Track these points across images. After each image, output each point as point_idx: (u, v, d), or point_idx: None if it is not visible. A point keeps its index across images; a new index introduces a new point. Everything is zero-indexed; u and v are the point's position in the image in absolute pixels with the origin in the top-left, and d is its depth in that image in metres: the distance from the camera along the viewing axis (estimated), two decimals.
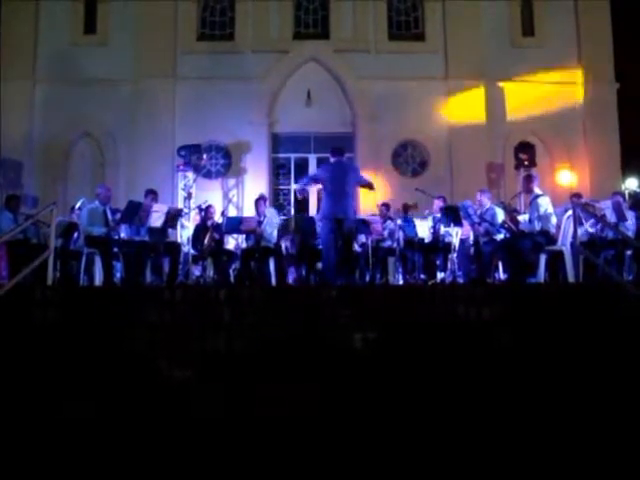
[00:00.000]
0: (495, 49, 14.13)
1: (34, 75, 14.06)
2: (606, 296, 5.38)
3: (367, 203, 12.27)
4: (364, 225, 9.02)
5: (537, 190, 7.67)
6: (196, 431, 3.72)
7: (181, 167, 12.53)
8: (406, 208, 10.25)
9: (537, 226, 7.38)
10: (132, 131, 13.67)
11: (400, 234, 8.93)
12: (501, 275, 8.06)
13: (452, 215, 8.30)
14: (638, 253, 7.88)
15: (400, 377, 4.31)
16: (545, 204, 7.42)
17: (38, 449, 3.57)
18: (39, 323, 5.05)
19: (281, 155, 14.40)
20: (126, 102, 13.80)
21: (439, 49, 14.33)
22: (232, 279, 9.42)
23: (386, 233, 9.55)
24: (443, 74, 14.22)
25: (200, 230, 9.23)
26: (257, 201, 9.24)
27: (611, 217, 7.82)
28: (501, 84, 14.14)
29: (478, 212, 8.28)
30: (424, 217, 9.29)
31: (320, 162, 12.84)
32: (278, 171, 14.46)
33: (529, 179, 7.92)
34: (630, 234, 7.84)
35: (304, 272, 9.31)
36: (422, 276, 8.82)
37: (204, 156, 12.76)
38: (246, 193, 13.58)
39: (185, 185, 12.12)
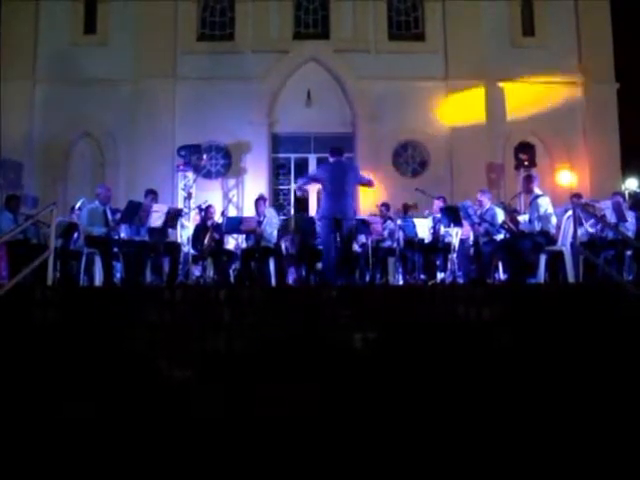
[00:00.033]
0: (495, 49, 14.13)
1: (34, 75, 14.06)
2: (606, 296, 5.38)
3: (367, 203, 12.27)
4: (364, 225, 9.02)
5: (537, 190, 7.67)
6: (196, 431, 3.72)
7: (181, 167, 12.54)
8: (406, 208, 10.25)
9: (537, 226, 7.38)
10: (132, 131, 13.68)
11: (400, 234, 8.93)
12: (501, 275, 8.06)
13: (452, 215, 8.30)
14: (638, 253, 7.88)
15: (400, 377, 4.31)
16: (545, 204, 7.42)
17: (38, 449, 3.57)
18: (39, 323, 5.04)
19: (281, 155, 14.40)
20: (126, 102, 13.81)
21: (439, 49, 14.34)
22: (232, 279, 9.42)
23: (386, 233, 9.56)
24: (443, 74, 14.22)
25: (200, 230, 9.23)
26: (257, 201, 9.24)
27: (611, 217, 7.82)
28: (501, 84, 14.14)
29: (478, 212, 8.27)
30: (424, 217, 9.28)
31: (320, 162, 12.83)
32: (278, 171, 14.46)
33: (529, 179, 7.92)
34: (630, 234, 7.83)
35: (304, 272, 9.31)
36: (422, 276, 8.81)
37: (204, 156, 12.76)
38: (246, 193, 13.58)
39: (185, 185, 12.12)
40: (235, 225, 8.90)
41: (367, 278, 9.01)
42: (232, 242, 9.87)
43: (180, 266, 8.69)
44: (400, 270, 8.97)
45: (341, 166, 7.92)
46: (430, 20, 14.52)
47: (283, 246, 9.41)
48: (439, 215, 8.78)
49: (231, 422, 3.85)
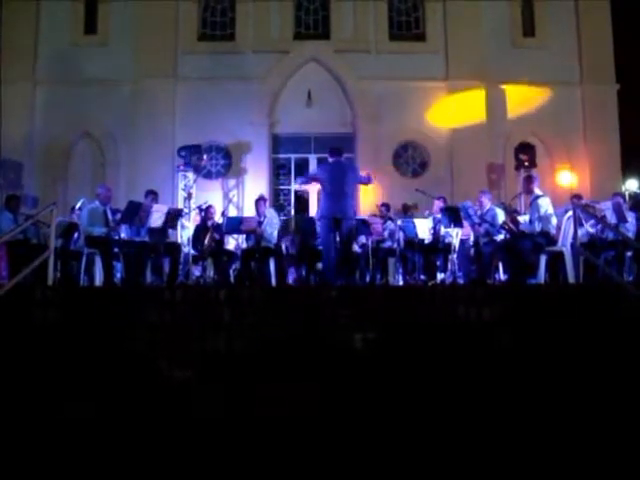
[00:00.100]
0: (495, 49, 14.13)
1: (34, 76, 14.06)
2: (606, 297, 5.38)
3: (367, 203, 12.28)
4: (364, 226, 9.02)
5: (537, 191, 7.67)
6: (196, 431, 3.72)
7: (181, 167, 12.54)
8: (406, 208, 10.25)
9: (537, 227, 7.38)
10: (132, 131, 13.67)
11: (400, 235, 8.94)
12: (501, 276, 8.06)
13: (452, 216, 8.30)
14: (638, 254, 7.88)
15: (400, 377, 4.31)
16: (545, 205, 7.42)
17: (39, 449, 3.57)
18: (39, 323, 5.05)
19: (281, 155, 14.40)
20: (126, 102, 13.81)
21: (440, 49, 14.33)
22: (232, 279, 9.42)
23: (386, 234, 9.56)
24: (443, 74, 14.22)
25: (200, 230, 9.23)
26: (257, 201, 9.24)
27: (611, 218, 7.82)
28: (501, 84, 14.12)
29: (478, 213, 8.27)
30: (424, 217, 9.28)
31: (320, 163, 12.83)
32: (278, 171, 14.45)
33: (529, 180, 7.92)
34: (630, 235, 7.84)
35: (304, 272, 9.31)
36: (422, 277, 8.81)
37: (204, 156, 12.75)
38: (246, 193, 13.58)
39: (185, 185, 12.14)
40: (235, 225, 8.90)
41: (367, 278, 9.01)
42: (232, 242, 9.87)
43: (180, 266, 8.69)
44: (400, 270, 8.97)
45: (340, 166, 7.93)
46: (431, 20, 14.52)
47: (283, 246, 9.42)
48: (439, 215, 8.78)
49: (231, 422, 3.85)
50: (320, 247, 8.28)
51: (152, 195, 8.81)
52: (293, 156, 14.36)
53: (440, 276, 8.86)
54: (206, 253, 9.07)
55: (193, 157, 12.39)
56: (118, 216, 8.26)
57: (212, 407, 3.99)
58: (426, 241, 8.96)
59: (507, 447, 3.58)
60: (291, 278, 9.56)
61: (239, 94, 13.66)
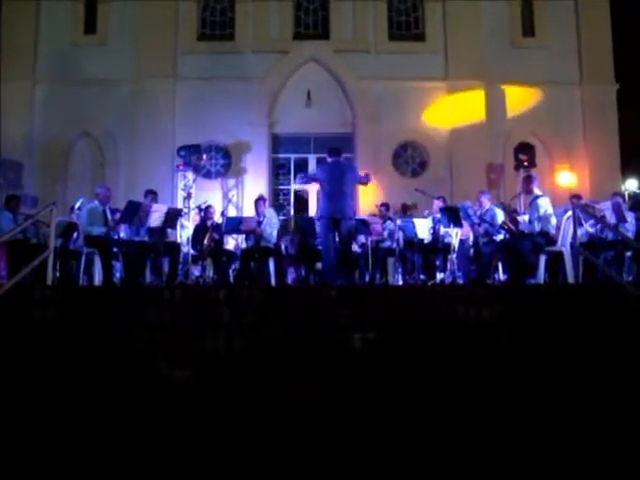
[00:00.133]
0: (495, 49, 14.15)
1: (34, 75, 14.07)
2: (606, 297, 5.38)
3: (367, 203, 12.28)
4: (364, 225, 9.03)
5: (537, 191, 7.67)
6: (196, 431, 3.72)
7: (181, 167, 12.54)
8: (405, 208, 10.25)
9: (537, 227, 7.38)
10: (132, 131, 13.68)
11: (400, 234, 8.93)
12: (501, 276, 8.06)
13: (452, 216, 8.30)
14: (638, 254, 7.89)
15: (400, 377, 4.31)
16: (545, 205, 7.42)
17: (38, 449, 3.57)
18: (38, 323, 5.04)
19: (281, 155, 14.40)
20: (126, 102, 13.81)
21: (439, 49, 14.34)
22: (232, 279, 9.42)
23: (386, 233, 9.56)
24: (443, 74, 14.24)
25: (200, 230, 9.23)
26: (257, 201, 9.24)
27: (611, 218, 7.82)
28: (501, 84, 14.13)
29: (478, 213, 8.28)
30: (424, 217, 9.28)
31: (320, 163, 12.83)
32: (278, 171, 14.46)
33: (529, 180, 7.92)
34: (630, 235, 7.84)
35: (304, 272, 9.31)
36: (422, 276, 8.81)
37: (204, 156, 12.77)
38: (246, 193, 13.58)
39: (185, 185, 12.13)
40: (235, 225, 8.90)
41: (367, 278, 9.01)
42: (232, 242, 9.87)
43: (180, 266, 8.69)
44: (400, 270, 8.97)
45: (339, 166, 7.93)
46: (430, 20, 14.53)
47: (283, 246, 9.42)
48: (439, 215, 8.78)
49: (231, 422, 3.84)
50: (320, 247, 8.28)
51: (151, 195, 8.81)
52: (293, 156, 14.37)
53: (439, 276, 8.85)
54: (205, 253, 9.07)
55: (193, 157, 12.40)
56: (117, 216, 8.26)
57: (212, 407, 3.99)
58: (425, 241, 8.96)
59: (507, 447, 3.58)
60: (290, 278, 9.56)
61: (239, 94, 13.67)
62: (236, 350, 4.72)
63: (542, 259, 7.45)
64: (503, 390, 4.13)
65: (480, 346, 4.67)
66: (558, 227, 7.73)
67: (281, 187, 14.45)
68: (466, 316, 5.05)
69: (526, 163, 12.82)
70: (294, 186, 14.08)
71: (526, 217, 7.90)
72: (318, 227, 8.15)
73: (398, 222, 8.98)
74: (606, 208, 7.99)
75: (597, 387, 4.14)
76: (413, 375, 4.33)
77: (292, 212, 13.51)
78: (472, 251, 8.50)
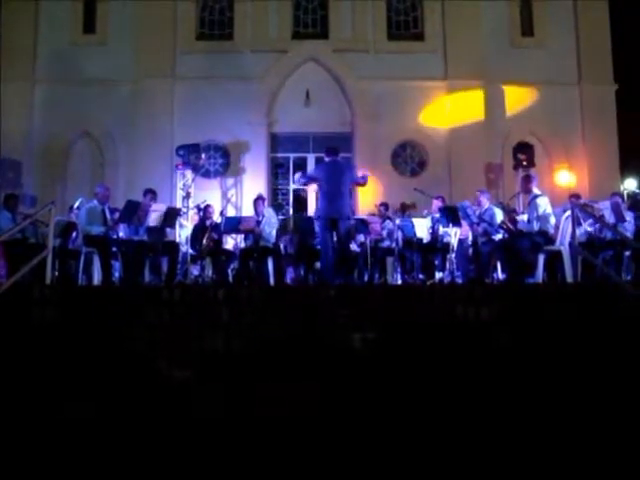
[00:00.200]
0: (494, 49, 14.15)
1: (34, 75, 14.08)
2: (604, 296, 5.38)
3: (366, 203, 12.28)
4: (363, 225, 9.03)
5: (536, 190, 7.67)
6: (196, 431, 3.72)
7: (180, 167, 12.53)
8: (404, 208, 10.24)
9: (536, 226, 7.38)
10: (131, 131, 13.68)
11: (399, 234, 8.94)
12: (499, 275, 8.07)
13: (451, 215, 8.31)
14: (636, 253, 7.89)
15: (399, 377, 4.31)
16: (544, 204, 7.42)
17: (38, 449, 3.57)
18: (38, 322, 5.04)
19: (280, 155, 14.40)
20: (125, 102, 13.81)
21: (438, 49, 14.35)
22: (230, 279, 9.42)
23: (385, 233, 9.56)
24: (442, 74, 14.24)
25: (199, 230, 9.23)
26: (256, 201, 9.24)
27: (610, 218, 7.83)
28: (500, 84, 14.13)
29: (477, 212, 8.28)
30: (423, 217, 9.28)
31: (319, 162, 12.84)
32: (277, 171, 14.46)
33: (528, 179, 7.92)
34: (629, 234, 7.85)
35: (302, 272, 9.31)
36: (420, 276, 8.82)
37: (203, 156, 12.75)
38: (245, 193, 13.59)
39: (184, 185, 12.13)
40: (234, 225, 8.90)
41: (366, 278, 9.01)
42: (231, 242, 9.87)
43: (179, 266, 8.70)
44: (399, 270, 8.97)
45: (337, 166, 7.92)
46: (429, 20, 14.53)
47: (282, 246, 9.42)
48: (438, 215, 8.78)
49: (231, 422, 3.85)
50: (318, 247, 8.28)
51: (151, 194, 8.81)
52: (292, 155, 14.37)
53: (438, 275, 8.86)
54: (204, 252, 9.07)
55: (192, 156, 12.39)
56: (116, 215, 8.26)
57: (211, 407, 3.99)
58: (424, 240, 8.97)
59: (506, 446, 3.59)
60: (289, 278, 9.56)
61: (238, 93, 13.67)
62: (235, 350, 4.72)
63: (541, 258, 7.46)
64: (502, 389, 4.13)
65: (479, 345, 4.67)
66: (557, 226, 7.73)
67: (280, 187, 14.46)
68: (465, 315, 5.05)
69: (525, 163, 12.82)
70: (293, 186, 14.09)
71: (525, 216, 7.90)
72: (317, 227, 8.15)
73: (397, 222, 8.99)
74: (605, 208, 8.00)
75: (596, 387, 4.14)
76: (412, 375, 4.34)
77: (291, 212, 13.51)
78: (471, 251, 8.51)
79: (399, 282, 8.83)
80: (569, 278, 7.23)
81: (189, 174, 12.28)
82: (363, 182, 8.25)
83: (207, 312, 5.16)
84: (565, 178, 13.80)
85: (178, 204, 11.75)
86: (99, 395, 4.06)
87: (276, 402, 3.93)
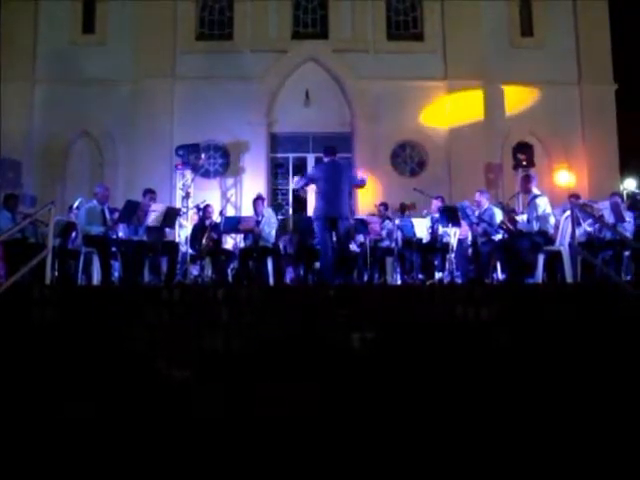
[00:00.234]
0: (494, 49, 14.15)
1: (33, 75, 14.07)
2: (604, 296, 5.38)
3: (366, 203, 12.28)
4: (362, 225, 9.03)
5: (535, 190, 7.68)
6: (196, 431, 3.72)
7: (179, 167, 12.52)
8: (403, 208, 10.24)
9: (535, 226, 7.38)
10: (131, 131, 13.67)
11: (398, 234, 8.94)
12: (499, 275, 8.07)
13: (450, 215, 8.31)
14: (636, 253, 7.89)
15: (399, 377, 4.31)
16: (543, 204, 7.42)
17: (38, 449, 3.57)
18: (37, 322, 5.04)
19: (279, 155, 14.40)
20: (125, 102, 13.81)
21: (438, 49, 14.34)
22: (230, 279, 9.43)
23: (384, 233, 9.56)
24: (442, 74, 14.23)
25: (198, 230, 9.24)
26: (255, 201, 9.24)
27: (609, 218, 7.82)
28: (500, 84, 14.13)
29: (476, 212, 8.28)
30: (422, 217, 9.29)
31: (318, 162, 12.83)
32: (276, 171, 14.46)
33: (527, 179, 7.93)
34: (628, 235, 7.85)
35: (302, 272, 9.31)
36: (420, 276, 8.82)
37: (202, 156, 12.74)
38: (244, 193, 13.58)
39: (183, 184, 12.12)
40: (233, 225, 8.91)
41: (365, 278, 9.01)
42: (230, 242, 9.87)
43: (178, 265, 8.69)
44: (398, 270, 8.97)
45: (335, 166, 7.91)
46: (429, 20, 14.53)
47: (281, 246, 9.42)
48: (437, 215, 8.78)
49: (231, 422, 3.84)
50: (318, 247, 8.27)
51: (150, 194, 8.80)
52: (291, 155, 14.36)
53: (438, 275, 8.86)
54: (204, 252, 9.07)
55: (191, 156, 12.39)
56: (116, 215, 8.25)
57: (211, 407, 3.99)
58: (424, 240, 8.97)
59: (506, 446, 3.59)
60: (289, 277, 9.56)
61: (237, 93, 13.67)
62: (235, 350, 4.72)
63: (540, 258, 7.46)
64: (502, 389, 4.13)
65: (479, 346, 4.67)
66: (557, 226, 7.74)
67: (280, 187, 14.45)
68: (464, 316, 5.05)
69: (525, 163, 12.81)
70: (292, 183, 14.06)
71: (524, 216, 7.90)
72: (316, 227, 8.14)
73: (397, 222, 8.99)
74: (604, 208, 8.00)
75: (596, 387, 4.14)
76: (412, 375, 4.34)
77: (290, 212, 13.51)
78: (470, 251, 8.51)
79: (399, 282, 8.84)
80: (569, 278, 7.23)
81: (189, 174, 12.27)
82: (361, 184, 8.24)
83: (207, 312, 5.16)
84: (565, 178, 13.79)
85: (178, 204, 11.74)
86: (99, 395, 4.06)
87: (276, 402, 3.93)
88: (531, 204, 7.54)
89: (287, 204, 14.21)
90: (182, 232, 9.80)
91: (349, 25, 14.36)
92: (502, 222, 7.89)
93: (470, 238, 8.43)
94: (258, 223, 8.81)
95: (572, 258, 7.26)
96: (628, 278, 7.67)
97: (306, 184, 8.32)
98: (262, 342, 4.68)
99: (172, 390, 4.22)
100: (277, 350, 4.57)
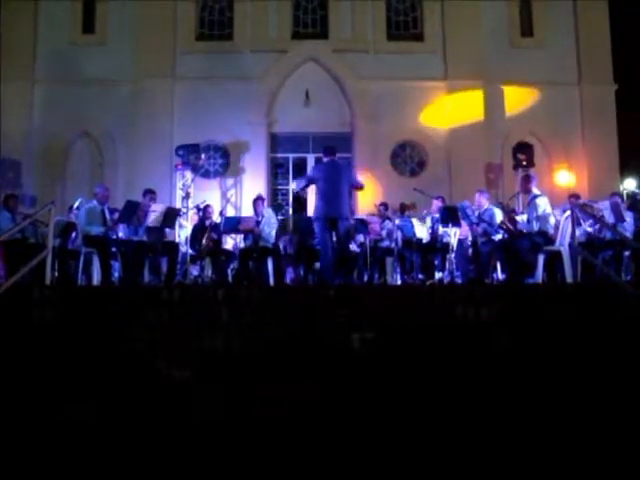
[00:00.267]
0: (494, 49, 14.15)
1: (33, 75, 14.08)
2: (604, 296, 5.38)
3: (366, 203, 12.28)
4: (362, 225, 9.02)
5: (535, 190, 7.68)
6: (196, 431, 3.72)
7: (179, 167, 12.53)
8: (403, 208, 10.24)
9: (535, 226, 7.38)
10: (131, 131, 13.67)
11: (398, 234, 8.94)
12: (499, 275, 8.07)
13: (450, 215, 8.31)
14: (636, 253, 7.89)
15: (398, 377, 4.31)
16: (543, 204, 7.43)
17: (38, 449, 3.57)
18: (37, 322, 5.04)
19: (279, 155, 14.40)
20: (125, 102, 13.81)
21: (438, 49, 14.34)
22: (230, 279, 9.42)
23: (384, 233, 9.56)
24: (442, 74, 14.23)
25: (198, 230, 9.24)
26: (255, 201, 9.24)
27: (609, 218, 7.82)
28: (500, 84, 14.13)
29: (476, 212, 8.28)
30: (422, 217, 9.29)
31: (318, 162, 12.83)
32: (276, 171, 14.46)
33: (527, 179, 7.93)
34: (628, 235, 7.85)
35: (302, 272, 9.31)
36: (420, 276, 8.82)
37: (202, 156, 12.75)
38: (244, 193, 13.58)
39: (183, 185, 12.13)
40: (233, 225, 8.91)
41: (365, 278, 9.01)
42: (230, 242, 9.87)
43: (178, 266, 8.69)
44: (398, 270, 8.97)
45: (335, 166, 7.90)
46: (429, 20, 14.53)
47: (281, 246, 9.42)
48: (437, 215, 8.78)
49: (231, 422, 3.84)
50: (318, 247, 8.27)
51: (150, 194, 8.80)
52: (291, 155, 14.37)
53: (438, 275, 8.86)
54: (204, 253, 9.07)
55: (191, 156, 12.39)
56: (116, 215, 8.25)
57: (211, 407, 3.99)
58: (424, 241, 8.97)
59: (505, 446, 3.59)
60: (289, 278, 9.56)
61: (237, 93, 13.66)
62: (235, 350, 4.72)
63: (540, 259, 7.46)
64: (501, 390, 4.13)
65: (479, 346, 4.67)
66: (557, 226, 7.74)
67: (280, 187, 14.45)
68: (464, 316, 5.05)
69: (525, 163, 12.81)
70: (292, 184, 14.05)
71: (524, 217, 7.90)
72: (316, 227, 8.14)
73: (397, 222, 8.99)
74: (604, 208, 7.99)
75: (596, 387, 4.14)
76: (412, 375, 4.34)
77: (290, 212, 13.50)
78: (470, 251, 8.51)
79: (399, 282, 8.84)
80: (569, 278, 7.24)
81: (189, 174, 12.27)
82: (358, 187, 8.22)
83: (207, 312, 5.16)
84: (565, 178, 13.79)
85: (177, 204, 11.75)
86: (99, 395, 4.05)
87: (276, 402, 3.93)
88: (531, 204, 7.54)
89: (287, 204, 14.19)
90: (182, 232, 9.80)
91: (349, 25, 14.36)
92: (502, 222, 7.89)
93: (470, 238, 8.43)
94: (258, 223, 8.81)
95: (572, 258, 7.26)
96: (628, 278, 7.67)
97: (306, 185, 8.28)
98: (262, 342, 4.68)
99: (172, 390, 4.22)
100: (277, 350, 4.57)
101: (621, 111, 14.31)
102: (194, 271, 9.32)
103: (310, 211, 12.11)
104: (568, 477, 3.43)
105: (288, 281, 9.38)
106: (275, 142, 14.30)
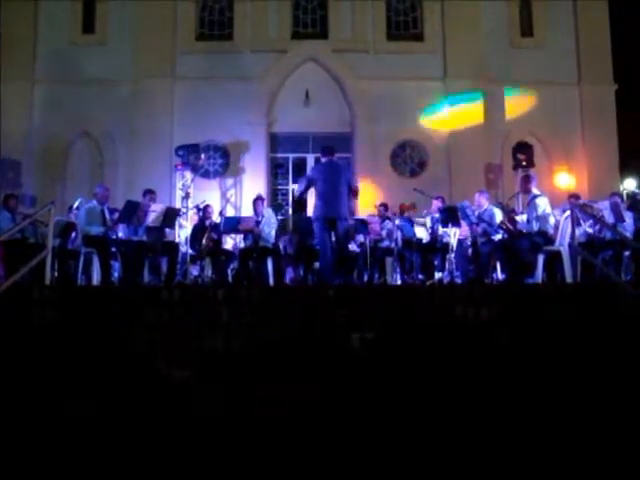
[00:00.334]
0: (494, 50, 14.16)
1: (33, 75, 14.08)
2: (604, 296, 5.38)
3: (366, 203, 12.27)
4: (362, 225, 9.03)
5: (535, 190, 7.68)
6: (196, 431, 3.72)
7: (179, 167, 12.53)
8: (402, 210, 10.23)
9: (535, 226, 7.38)
10: (131, 131, 13.68)
11: (398, 234, 8.93)
12: (499, 275, 8.07)
13: (450, 215, 8.31)
14: (636, 253, 7.89)
15: (398, 377, 4.31)
16: (543, 204, 7.43)
17: (38, 449, 3.57)
18: (37, 323, 5.04)
19: (279, 155, 14.40)
20: (125, 102, 13.81)
21: (438, 49, 14.34)
22: (230, 279, 9.42)
23: (384, 233, 9.55)
24: (442, 74, 14.24)
25: (198, 230, 9.23)
26: (255, 201, 9.24)
27: (609, 218, 7.82)
28: (500, 84, 14.13)
29: (476, 213, 8.28)
30: (422, 218, 9.29)
31: (318, 162, 12.84)
32: (276, 171, 14.46)
33: (527, 179, 7.93)
34: (628, 235, 7.85)
35: (302, 272, 9.31)
36: (420, 276, 8.82)
37: (202, 156, 12.76)
38: (244, 193, 13.58)
39: (183, 185, 12.12)
40: (233, 225, 8.91)
41: (365, 278, 9.01)
42: (230, 242, 9.87)
43: (178, 266, 8.69)
44: (398, 270, 8.96)
45: (333, 166, 7.89)
46: (429, 20, 14.53)
47: (281, 246, 9.42)
48: (437, 215, 8.78)
49: (231, 422, 3.84)
50: (318, 247, 8.26)
51: (150, 194, 8.80)
52: (291, 155, 14.37)
53: (438, 275, 8.86)
54: (204, 253, 9.07)
55: (191, 156, 12.40)
56: (116, 215, 8.25)
57: (211, 407, 3.99)
58: (424, 241, 8.97)
59: (505, 446, 3.59)
60: (289, 278, 9.56)
61: (237, 93, 13.66)
62: (235, 350, 4.72)
63: (540, 259, 7.46)
64: (501, 390, 4.13)
65: (478, 346, 4.67)
66: (556, 227, 7.74)
67: (279, 187, 14.45)
68: (464, 316, 5.05)
69: (524, 163, 12.82)
70: (293, 186, 14.06)
71: (524, 217, 7.90)
72: (315, 227, 8.12)
73: (397, 222, 8.99)
74: (604, 208, 7.99)
75: (596, 387, 4.14)
76: (412, 375, 4.34)
77: (290, 212, 13.51)
78: (470, 251, 8.51)
79: (398, 282, 8.83)
80: (569, 278, 7.24)
81: (188, 174, 12.27)
82: (354, 191, 8.15)
83: (207, 312, 5.16)
84: (564, 178, 13.80)
85: (177, 204, 11.74)
86: (99, 395, 4.05)
87: (276, 402, 3.93)
88: (531, 204, 7.54)
89: (287, 204, 14.21)
90: (182, 232, 9.80)
91: (349, 25, 14.36)
92: (502, 222, 7.89)
93: (470, 238, 8.43)
94: (258, 223, 8.81)
95: (572, 258, 7.26)
96: (628, 278, 7.67)
97: (306, 188, 8.18)
98: (262, 342, 4.68)
99: (172, 390, 4.22)
100: (277, 350, 4.57)
101: (621, 111, 14.31)
102: (194, 271, 9.32)
103: (310, 211, 12.16)
104: (568, 477, 3.43)
105: (288, 281, 9.38)
106: (275, 142, 14.30)
